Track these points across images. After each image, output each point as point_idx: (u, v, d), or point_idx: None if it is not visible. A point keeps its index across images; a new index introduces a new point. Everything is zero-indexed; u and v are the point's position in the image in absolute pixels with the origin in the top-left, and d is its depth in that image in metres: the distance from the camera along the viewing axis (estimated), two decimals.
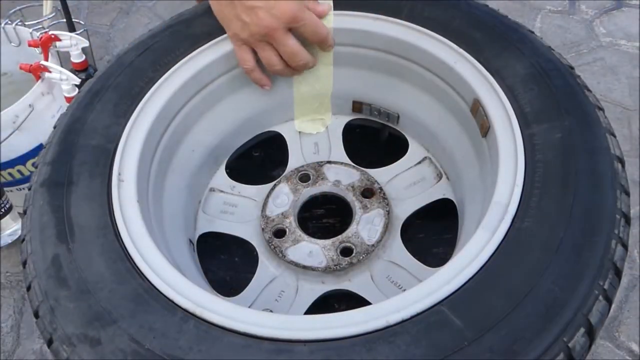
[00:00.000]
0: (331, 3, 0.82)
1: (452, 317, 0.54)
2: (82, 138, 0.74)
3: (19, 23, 1.35)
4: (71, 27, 1.46)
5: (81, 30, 1.42)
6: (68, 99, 1.25)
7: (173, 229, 0.79)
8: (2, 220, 1.29)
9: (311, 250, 0.80)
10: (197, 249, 0.85)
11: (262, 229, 0.83)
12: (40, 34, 1.29)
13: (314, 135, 0.96)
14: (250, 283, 0.80)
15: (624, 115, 1.55)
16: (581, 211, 0.60)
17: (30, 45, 1.29)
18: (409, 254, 0.80)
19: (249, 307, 0.77)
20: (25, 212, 0.69)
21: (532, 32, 0.81)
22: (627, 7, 1.83)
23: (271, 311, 0.76)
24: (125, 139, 0.73)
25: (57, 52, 1.32)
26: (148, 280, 0.60)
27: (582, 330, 0.53)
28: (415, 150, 0.92)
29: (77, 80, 1.23)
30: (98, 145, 0.73)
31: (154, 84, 0.79)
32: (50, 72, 1.22)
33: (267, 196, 0.87)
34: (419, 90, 0.87)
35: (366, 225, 0.82)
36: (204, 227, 0.87)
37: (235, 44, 0.81)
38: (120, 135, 0.74)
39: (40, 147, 1.22)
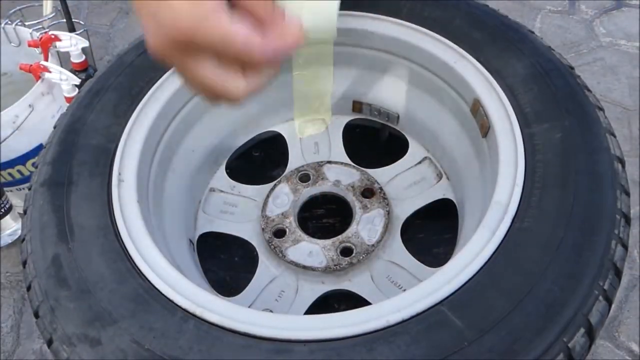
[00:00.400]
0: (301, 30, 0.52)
1: (452, 317, 0.54)
2: (82, 138, 0.74)
3: (19, 23, 1.35)
4: (71, 27, 1.45)
5: (81, 31, 1.42)
6: (68, 99, 1.25)
7: (173, 229, 0.79)
8: (2, 220, 1.29)
9: (311, 250, 0.80)
10: (197, 249, 0.85)
11: (262, 229, 0.83)
12: (40, 34, 1.29)
13: (314, 135, 0.96)
14: (250, 283, 0.80)
15: (624, 115, 1.54)
16: (581, 211, 0.60)
17: (30, 46, 1.29)
18: (409, 254, 0.80)
19: (249, 307, 0.77)
20: (25, 212, 0.69)
21: (532, 32, 0.81)
22: (627, 7, 1.83)
23: (271, 311, 0.76)
24: (125, 139, 0.73)
25: (57, 52, 1.32)
26: (148, 280, 0.60)
27: (582, 330, 0.53)
28: (415, 150, 0.92)
29: (77, 81, 1.23)
30: (98, 145, 0.73)
31: (154, 84, 0.79)
32: (50, 72, 1.22)
33: (267, 196, 0.87)
34: (419, 90, 0.87)
35: (366, 225, 0.82)
36: (204, 227, 0.87)
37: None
38: (120, 135, 0.74)
39: (40, 147, 1.22)
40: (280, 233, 0.83)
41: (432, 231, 0.90)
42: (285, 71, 0.89)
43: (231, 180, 0.92)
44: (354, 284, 0.79)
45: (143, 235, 0.65)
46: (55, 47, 1.30)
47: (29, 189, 0.71)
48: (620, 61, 1.68)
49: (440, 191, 0.87)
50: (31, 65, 1.22)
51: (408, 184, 0.88)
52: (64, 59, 1.35)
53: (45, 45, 1.27)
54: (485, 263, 0.57)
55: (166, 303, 0.58)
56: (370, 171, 0.89)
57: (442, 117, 0.85)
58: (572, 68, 0.76)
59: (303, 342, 0.54)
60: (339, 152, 0.93)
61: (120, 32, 1.91)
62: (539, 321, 0.53)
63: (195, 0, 0.42)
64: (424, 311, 0.55)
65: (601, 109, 0.71)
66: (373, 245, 0.80)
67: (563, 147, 0.66)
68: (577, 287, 0.55)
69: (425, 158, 0.91)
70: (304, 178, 0.89)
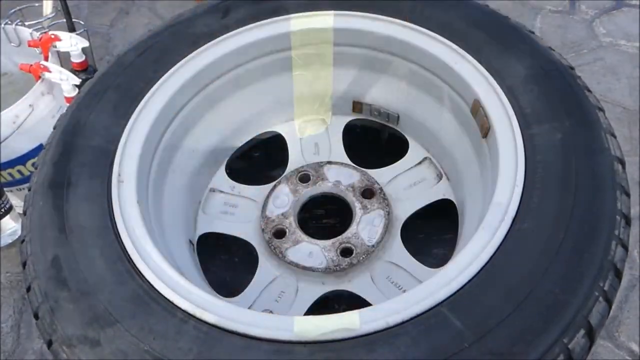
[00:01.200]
0: None
1: (452, 319, 0.54)
2: (82, 139, 0.74)
3: (19, 23, 1.35)
4: (71, 27, 1.45)
5: (81, 31, 1.42)
6: (68, 99, 1.24)
7: (173, 229, 0.79)
8: (2, 221, 1.29)
9: (311, 251, 0.80)
10: (197, 250, 0.85)
11: (262, 230, 0.83)
12: (40, 34, 1.29)
13: (314, 135, 0.96)
14: (251, 284, 0.80)
15: (624, 116, 1.54)
16: (581, 212, 0.60)
17: (30, 46, 1.29)
18: (409, 254, 0.80)
19: (249, 307, 0.77)
20: (25, 213, 0.69)
21: (533, 33, 0.81)
22: (627, 7, 1.83)
23: (271, 312, 0.76)
24: (125, 140, 0.73)
25: (57, 52, 1.32)
26: (148, 282, 0.60)
27: (582, 331, 0.53)
28: (415, 151, 0.92)
29: (77, 81, 1.23)
30: (98, 146, 0.73)
31: (154, 84, 0.79)
32: (50, 72, 1.22)
33: (267, 197, 0.87)
34: (419, 91, 0.87)
35: (366, 226, 0.82)
36: (204, 227, 0.87)
37: None
38: (120, 135, 0.74)
39: (40, 148, 1.22)
40: (280, 234, 0.83)
41: (432, 232, 0.90)
42: (285, 71, 0.89)
43: (231, 180, 0.92)
44: (354, 284, 0.79)
45: (143, 236, 0.65)
46: (56, 47, 1.30)
47: (29, 190, 0.71)
48: (620, 61, 1.67)
49: (440, 192, 0.87)
50: (31, 65, 1.22)
51: (408, 185, 0.88)
52: (64, 59, 1.35)
53: (46, 45, 1.27)
54: (486, 264, 0.57)
55: (166, 304, 0.58)
56: (370, 172, 0.89)
57: (442, 118, 0.85)
58: (572, 68, 0.76)
59: (303, 343, 0.54)
60: (339, 153, 0.93)
61: (120, 32, 1.91)
62: (539, 322, 0.53)
63: None
64: (424, 312, 0.55)
65: (601, 109, 0.71)
66: (373, 245, 0.80)
67: (563, 148, 0.66)
68: (577, 288, 0.55)
69: (425, 158, 0.91)
70: (304, 178, 0.89)
